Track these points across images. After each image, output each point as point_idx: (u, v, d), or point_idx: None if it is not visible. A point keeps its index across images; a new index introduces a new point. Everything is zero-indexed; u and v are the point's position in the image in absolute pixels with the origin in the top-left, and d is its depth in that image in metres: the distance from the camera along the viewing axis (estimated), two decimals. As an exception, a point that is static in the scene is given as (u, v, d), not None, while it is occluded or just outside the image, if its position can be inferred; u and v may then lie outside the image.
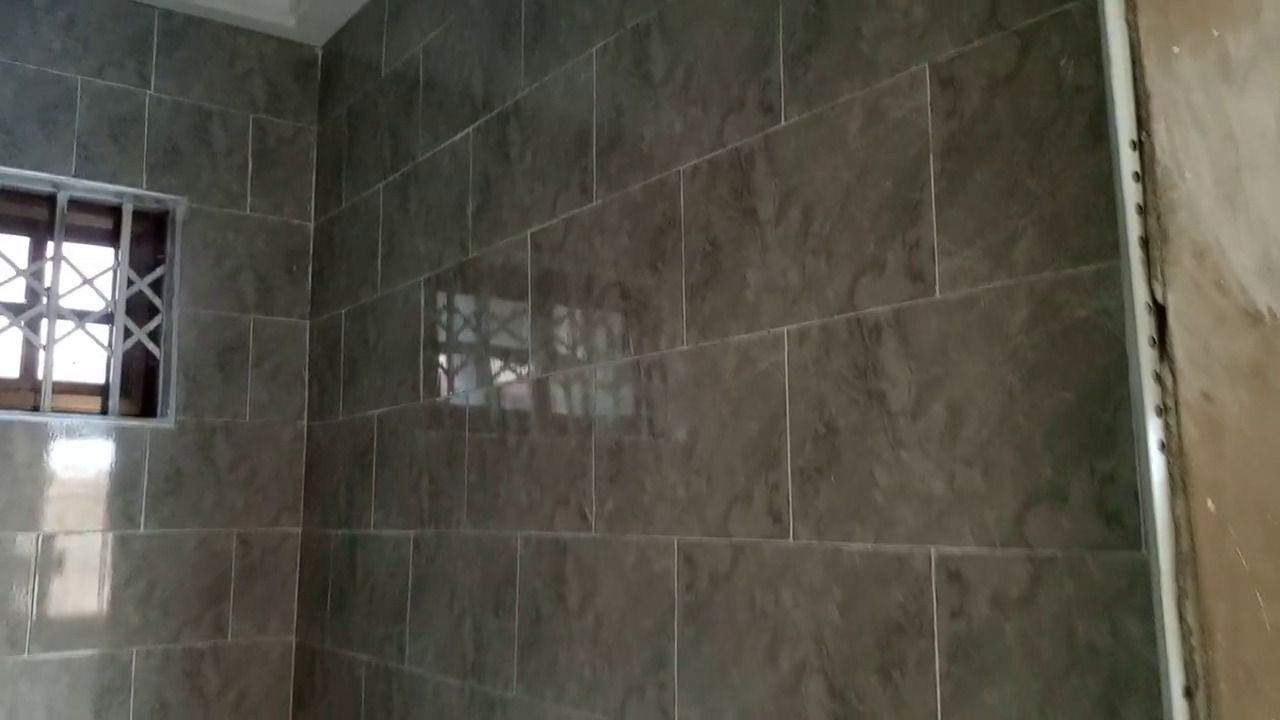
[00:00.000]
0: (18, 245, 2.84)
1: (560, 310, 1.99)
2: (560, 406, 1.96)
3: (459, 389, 2.31)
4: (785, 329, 1.47)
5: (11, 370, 2.76)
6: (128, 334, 2.87)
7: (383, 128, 2.76)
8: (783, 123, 1.51)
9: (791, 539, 1.43)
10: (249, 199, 3.05)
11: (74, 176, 2.77)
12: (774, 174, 1.52)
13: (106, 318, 2.86)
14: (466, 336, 2.31)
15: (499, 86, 2.24)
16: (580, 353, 1.92)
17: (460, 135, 2.38)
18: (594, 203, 1.90)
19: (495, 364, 2.19)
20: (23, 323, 2.73)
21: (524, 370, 2.08)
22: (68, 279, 2.80)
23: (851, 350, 1.37)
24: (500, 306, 2.19)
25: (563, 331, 1.98)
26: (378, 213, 2.74)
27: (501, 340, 2.18)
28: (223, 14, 3.01)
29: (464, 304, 2.33)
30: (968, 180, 1.25)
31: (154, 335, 2.92)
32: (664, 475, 1.67)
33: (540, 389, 2.02)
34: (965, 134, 1.26)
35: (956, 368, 1.24)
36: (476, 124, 2.31)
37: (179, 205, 2.94)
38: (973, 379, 1.22)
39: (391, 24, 2.76)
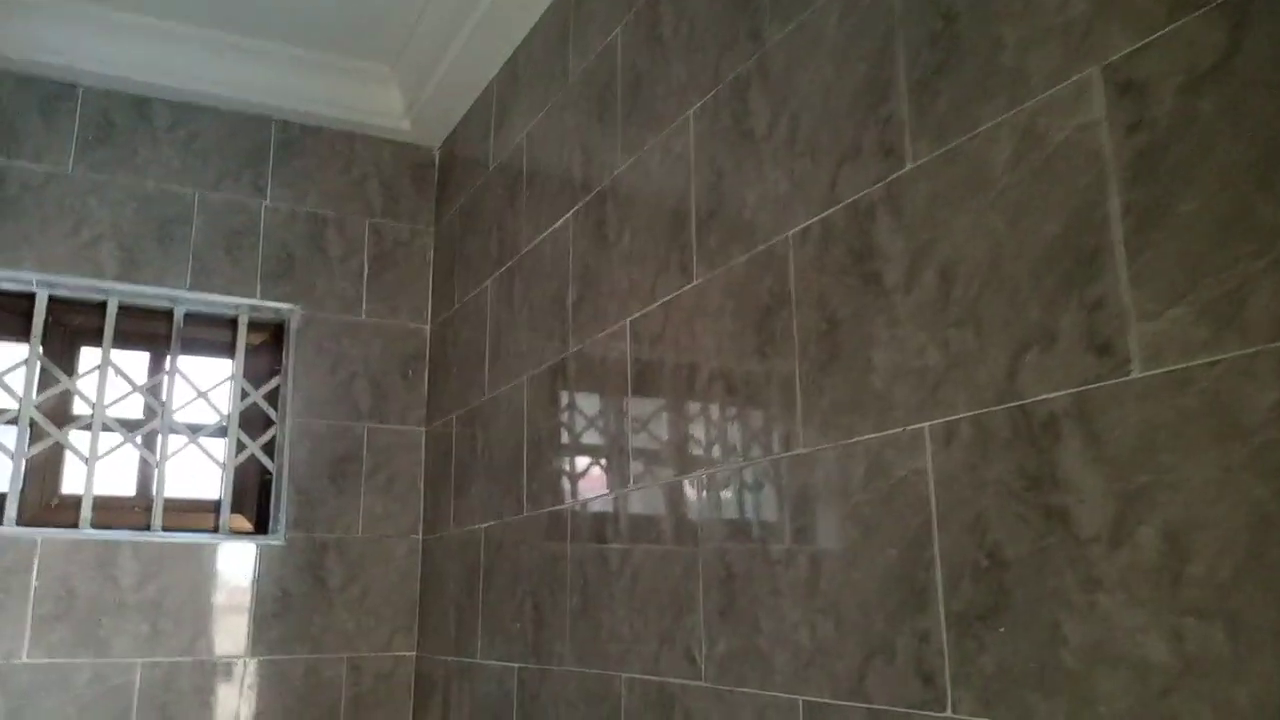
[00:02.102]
0: (139, 361, 2.82)
1: (658, 408, 1.71)
2: (663, 522, 1.65)
3: (560, 500, 2.04)
4: (925, 425, 1.13)
5: (128, 488, 2.71)
6: (241, 447, 2.78)
7: (490, 222, 2.61)
8: (908, 165, 1.20)
9: (950, 711, 1.06)
10: (365, 304, 2.95)
11: (190, 290, 2.74)
12: (900, 229, 1.20)
13: (221, 431, 2.79)
14: (566, 440, 2.06)
15: (596, 166, 2.03)
16: (681, 458, 1.62)
17: (560, 222, 2.17)
18: (694, 283, 1.63)
19: (593, 471, 1.92)
20: (138, 439, 2.68)
21: (623, 478, 1.80)
22: (183, 393, 2.75)
23: (1017, 452, 1.02)
24: (596, 406, 1.93)
25: (660, 433, 1.69)
26: (486, 311, 2.57)
27: (599, 443, 1.91)
28: (340, 121, 2.98)
29: (563, 405, 2.08)
30: (1167, 213, 0.90)
31: (269, 448, 2.82)
32: (783, 612, 1.33)
33: (638, 501, 1.73)
34: (1159, 151, 0.92)
35: (1170, 474, 0.87)
36: (576, 208, 2.10)
37: (294, 314, 2.87)
38: (1197, 490, 0.85)
39: (500, 115, 2.63)
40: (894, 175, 1.22)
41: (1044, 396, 1.00)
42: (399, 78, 2.96)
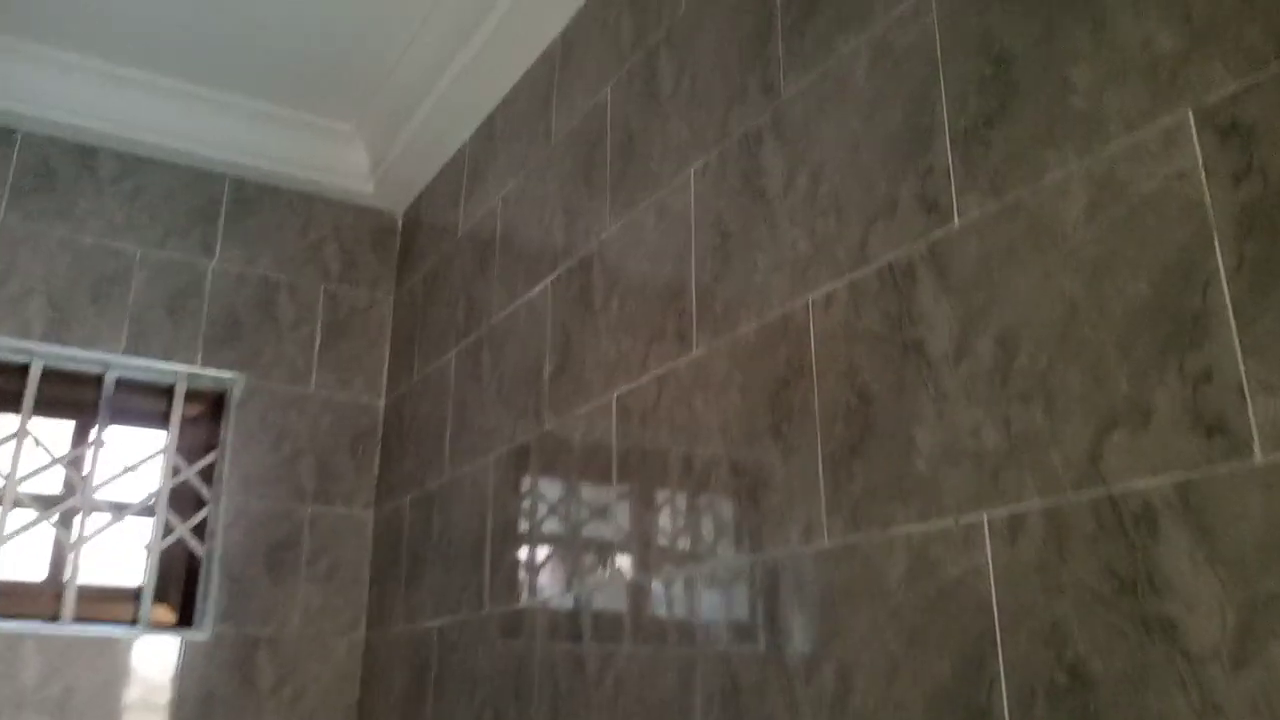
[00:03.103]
0: (62, 430, 2.57)
1: (651, 493, 1.53)
2: (652, 622, 1.46)
3: (527, 596, 1.84)
4: (984, 515, 0.97)
5: (39, 572, 2.43)
6: (169, 529, 2.52)
7: (457, 289, 2.45)
8: (956, 222, 1.07)
9: None
10: (315, 375, 2.75)
11: (124, 354, 2.52)
12: (948, 292, 1.07)
13: (148, 510, 2.53)
14: (538, 528, 1.86)
15: (581, 229, 1.89)
16: (675, 549, 1.44)
17: (538, 289, 2.02)
18: (694, 353, 1.48)
19: (567, 563, 1.72)
20: (54, 517, 2.41)
21: (603, 571, 1.61)
22: (110, 467, 2.50)
23: (1104, 549, 0.86)
24: (575, 490, 1.74)
25: (652, 520, 1.51)
26: (448, 384, 2.38)
27: (576, 532, 1.72)
28: (299, 180, 2.82)
29: (535, 488, 1.89)
30: (1290, 271, 0.78)
31: (199, 530, 2.57)
32: (802, 734, 1.14)
33: (622, 597, 1.53)
34: (1272, 202, 0.80)
35: (1318, 580, 0.72)
36: (556, 274, 1.95)
37: (236, 383, 2.65)
38: (1358, 601, 0.70)
39: (473, 178, 2.49)
40: (938, 232, 1.09)
41: (1138, 484, 0.85)
42: (365, 137, 2.82)
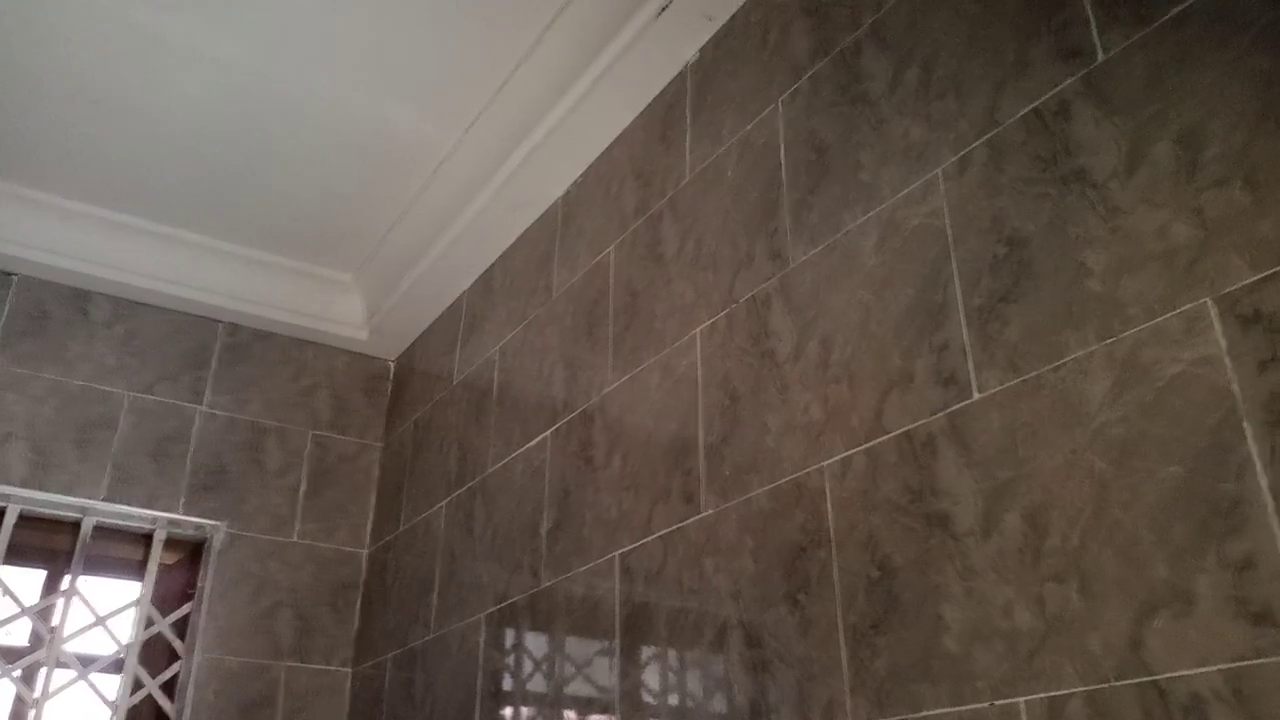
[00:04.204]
0: (32, 579, 2.47)
1: (657, 661, 1.48)
2: (661, 803, 1.39)
3: (523, 767, 1.75)
4: (1021, 701, 0.95)
5: (-7, 733, 2.29)
6: (138, 685, 2.40)
7: (450, 439, 2.43)
8: (975, 395, 1.09)
9: None
10: (298, 524, 2.68)
11: (104, 500, 2.45)
12: (971, 466, 1.07)
13: (116, 665, 2.41)
14: (533, 689, 1.79)
15: (583, 384, 1.90)
16: (689, 723, 1.38)
17: (536, 441, 2.01)
18: (701, 514, 1.46)
19: (571, 734, 1.65)
20: (16, 673, 2.29)
21: (610, 745, 1.53)
22: (80, 618, 2.40)
23: (1151, 741, 0.84)
24: (576, 652, 1.68)
25: (660, 688, 1.45)
26: (437, 536, 2.33)
27: (576, 695, 1.65)
28: (293, 327, 2.83)
29: (531, 648, 1.83)
30: (1324, 460, 0.78)
31: (168, 687, 2.44)
32: None
33: (632, 774, 1.46)
34: (1300, 390, 0.81)
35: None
36: (555, 426, 1.95)
37: (217, 532, 2.58)
38: None
39: (469, 328, 2.51)
40: (958, 405, 1.10)
41: (1185, 672, 0.83)
42: (362, 287, 2.86)
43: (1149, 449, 0.91)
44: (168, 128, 2.24)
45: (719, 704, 1.32)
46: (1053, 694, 0.92)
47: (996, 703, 0.97)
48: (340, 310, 2.89)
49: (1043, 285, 1.05)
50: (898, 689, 1.07)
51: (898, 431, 1.17)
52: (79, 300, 2.57)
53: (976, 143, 1.18)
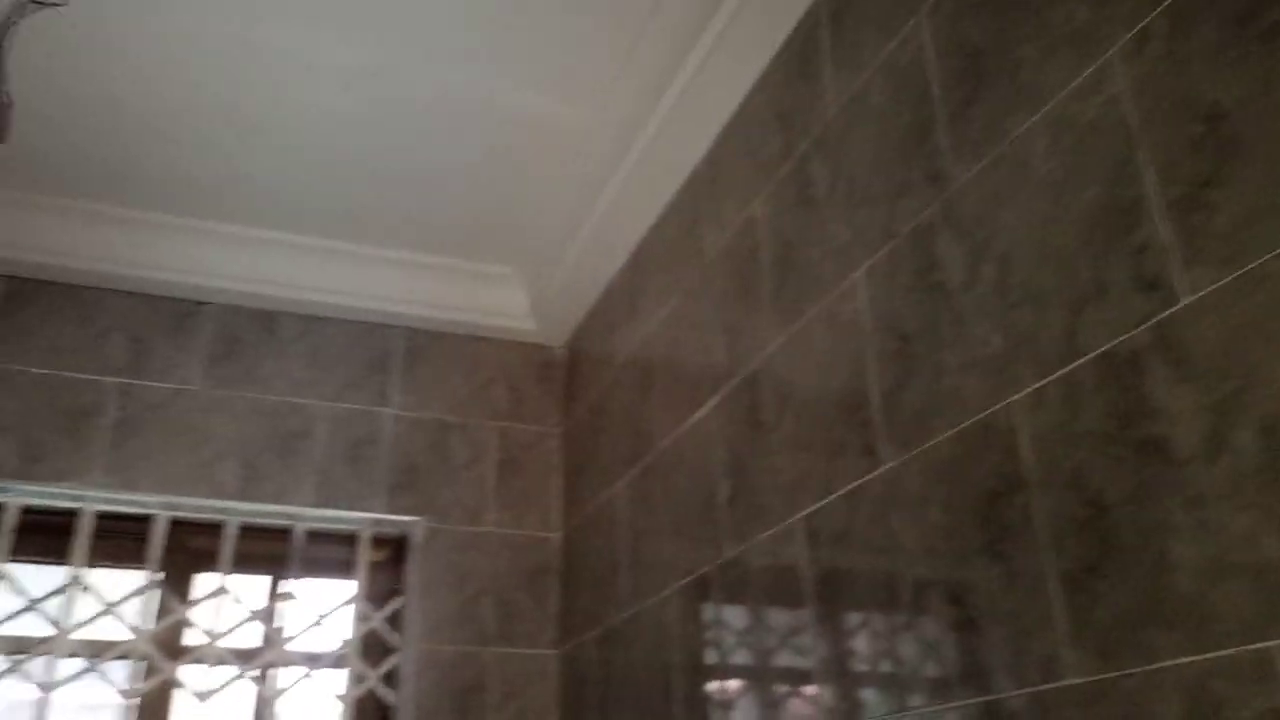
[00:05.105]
0: (258, 585, 2.65)
1: (851, 623, 1.40)
2: (872, 774, 1.31)
3: (728, 740, 1.70)
4: (1277, 644, 0.81)
5: (241, 729, 2.47)
6: (361, 678, 2.53)
7: (621, 419, 2.41)
8: (1183, 301, 0.94)
9: None
10: (490, 514, 2.75)
11: (311, 506, 2.59)
12: (1185, 380, 0.92)
13: (339, 660, 2.55)
14: (729, 663, 1.74)
15: (743, 347, 1.82)
16: (888, 689, 1.29)
17: (702, 411, 1.95)
18: (883, 468, 1.36)
19: (763, 700, 1.59)
20: (254, 672, 2.46)
21: (801, 710, 1.46)
22: (301, 619, 2.55)
23: None
24: (765, 620, 1.62)
25: (856, 654, 1.37)
26: (621, 515, 2.33)
27: (769, 665, 1.59)
28: (464, 325, 2.90)
29: (722, 622, 1.78)
30: None
31: (389, 678, 2.56)
32: None
33: (839, 745, 1.39)
34: None
35: None
36: (720, 395, 1.88)
37: (417, 527, 2.68)
38: None
39: (628, 306, 2.49)
40: (1165, 313, 0.96)
41: None
42: (522, 277, 2.89)
43: None
44: (312, 144, 2.32)
45: (931, 668, 1.23)
46: (1318, 635, 0.78)
47: (1247, 647, 0.83)
48: (506, 303, 2.93)
49: (1253, 162, 0.89)
50: (1125, 638, 0.95)
51: (1096, 352, 1.03)
52: (266, 321, 2.73)
53: (1154, 12, 1.02)
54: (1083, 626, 1.00)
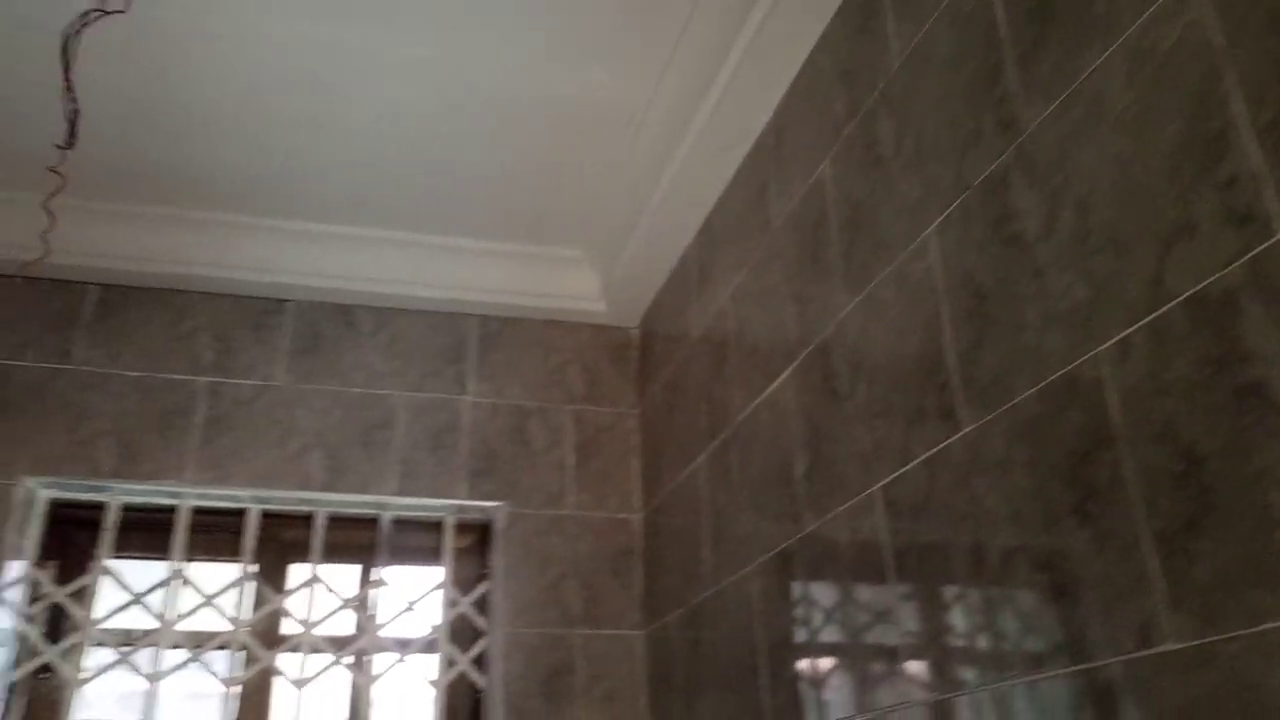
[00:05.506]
0: (349, 573, 2.71)
1: (938, 595, 1.34)
2: (963, 749, 1.26)
3: (815, 716, 1.67)
4: (1401, 601, 0.74)
5: (340, 715, 2.53)
6: (451, 663, 2.57)
7: (697, 395, 2.38)
8: (1276, 235, 0.87)
9: None
10: (570, 497, 2.75)
11: (396, 495, 2.64)
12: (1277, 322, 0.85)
13: (430, 645, 2.59)
14: (817, 640, 1.70)
15: (814, 314, 1.77)
16: (979, 661, 1.24)
17: (776, 383, 1.91)
18: (963, 431, 1.30)
19: (854, 677, 1.55)
20: (348, 658, 2.52)
21: (894, 686, 1.42)
22: (392, 606, 2.60)
23: None
24: (850, 595, 1.57)
25: (946, 628, 1.32)
26: (700, 492, 2.30)
27: (858, 642, 1.54)
28: (537, 310, 2.91)
29: (805, 596, 1.74)
30: None
31: (478, 661, 2.59)
32: None
33: (926, 717, 1.34)
34: None
35: None
36: (793, 365, 1.84)
37: (500, 513, 2.70)
38: None
39: (699, 282, 2.46)
40: (1261, 247, 0.88)
41: None
42: (592, 260, 2.88)
43: None
44: (377, 138, 2.34)
45: (1022, 638, 1.17)
46: None
47: (1366, 606, 0.76)
48: (577, 286, 2.92)
49: (1358, 73, 0.81)
50: (1229, 599, 0.88)
51: (1186, 295, 0.96)
52: (344, 315, 2.77)
53: (1239, -77, 0.94)
54: (1181, 588, 0.93)
